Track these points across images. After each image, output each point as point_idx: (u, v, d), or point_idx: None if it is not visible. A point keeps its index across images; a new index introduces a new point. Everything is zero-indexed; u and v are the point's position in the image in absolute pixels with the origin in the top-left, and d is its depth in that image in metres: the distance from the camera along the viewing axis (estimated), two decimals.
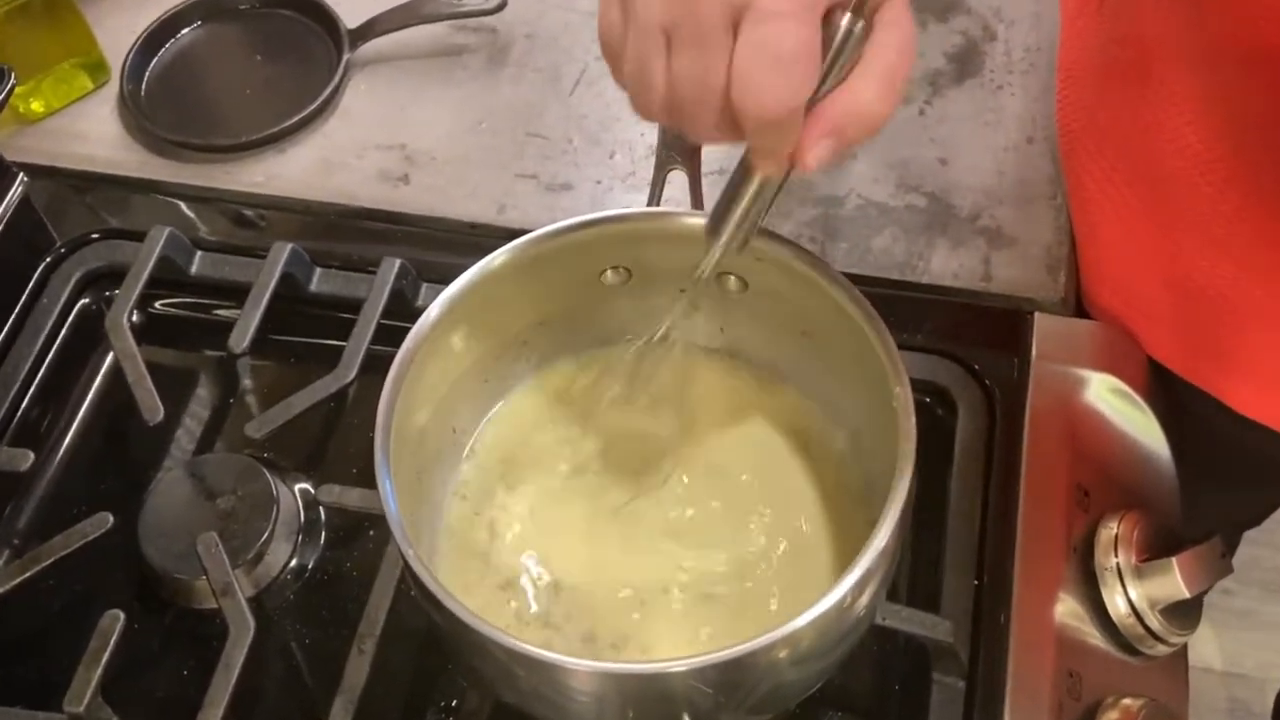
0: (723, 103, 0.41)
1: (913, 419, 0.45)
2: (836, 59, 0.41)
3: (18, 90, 0.71)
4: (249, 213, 0.71)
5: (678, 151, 0.52)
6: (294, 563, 0.60)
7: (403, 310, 0.63)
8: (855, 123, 0.42)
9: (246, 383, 0.68)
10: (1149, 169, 0.59)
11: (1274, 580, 1.45)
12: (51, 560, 0.57)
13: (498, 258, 0.49)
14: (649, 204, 0.53)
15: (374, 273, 0.64)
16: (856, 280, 0.50)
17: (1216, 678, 1.41)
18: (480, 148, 0.72)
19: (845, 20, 0.40)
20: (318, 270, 0.67)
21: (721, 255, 0.47)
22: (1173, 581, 0.54)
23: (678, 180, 0.54)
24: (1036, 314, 0.62)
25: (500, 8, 0.74)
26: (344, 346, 0.62)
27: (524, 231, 0.51)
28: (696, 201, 0.52)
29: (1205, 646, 1.44)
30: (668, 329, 0.52)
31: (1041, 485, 0.58)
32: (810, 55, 0.40)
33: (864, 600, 0.46)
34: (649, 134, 0.70)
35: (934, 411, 0.61)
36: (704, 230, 0.47)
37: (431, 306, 0.48)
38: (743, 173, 0.45)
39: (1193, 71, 0.54)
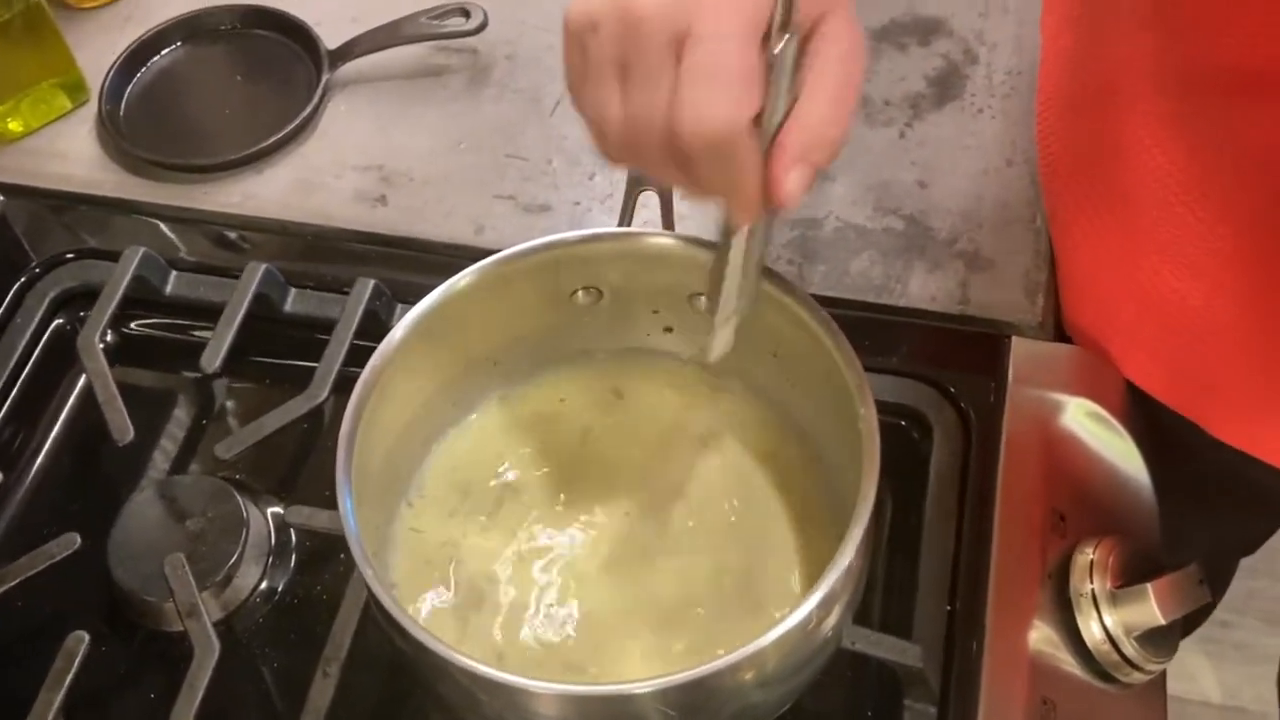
0: (668, 133, 0.41)
1: (877, 440, 0.46)
2: (779, 84, 0.41)
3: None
4: (227, 233, 0.72)
5: None
6: (264, 585, 0.61)
7: (376, 331, 0.63)
8: (819, 145, 0.42)
9: (221, 403, 0.68)
10: (1123, 192, 0.60)
11: (1273, 612, 1.45)
12: (18, 581, 0.57)
13: (463, 278, 0.50)
14: (620, 224, 0.54)
15: (349, 293, 0.65)
16: (833, 303, 0.51)
17: (1215, 711, 1.41)
18: (459, 168, 0.73)
19: (778, 44, 0.40)
20: (292, 291, 0.68)
21: (732, 332, 0.48)
22: (1148, 608, 0.55)
23: (652, 201, 0.55)
24: (1014, 338, 0.63)
25: (481, 29, 0.76)
26: (318, 367, 0.63)
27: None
28: (668, 222, 0.53)
29: (1204, 679, 1.44)
30: None
31: (1017, 510, 0.59)
32: (748, 75, 0.40)
33: (830, 622, 0.47)
34: None
35: (909, 435, 0.62)
36: (705, 310, 0.48)
37: (396, 327, 0.49)
38: (724, 238, 0.45)
39: (1161, 93, 0.55)
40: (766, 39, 0.40)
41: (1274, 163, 0.52)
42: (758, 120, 0.41)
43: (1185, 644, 1.24)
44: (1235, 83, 0.51)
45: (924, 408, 0.62)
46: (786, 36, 0.40)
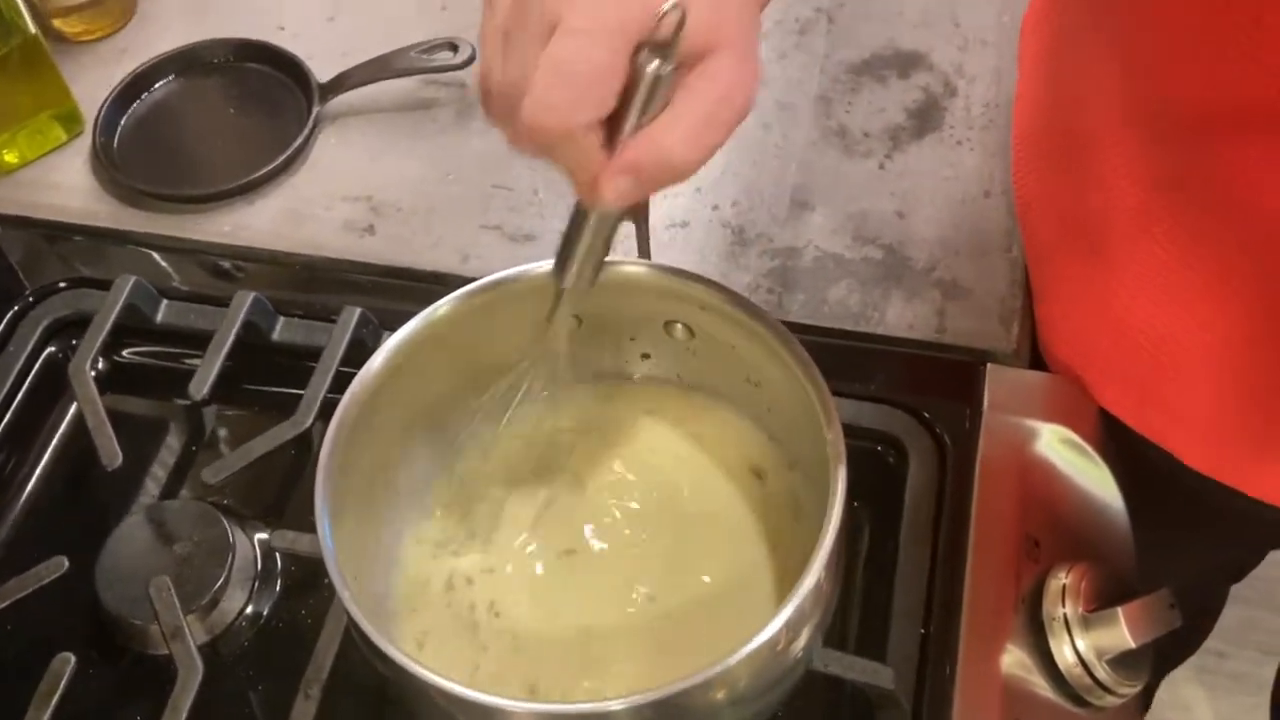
0: (513, 103, 0.42)
1: (844, 463, 0.47)
2: (637, 97, 0.42)
3: None
4: (218, 262, 0.74)
5: None
6: (249, 610, 0.62)
7: (362, 359, 0.65)
8: (654, 165, 0.43)
9: (210, 430, 0.70)
10: (1097, 224, 0.62)
11: (1270, 643, 1.45)
12: (7, 603, 0.59)
13: (442, 306, 0.51)
14: None
15: (336, 321, 0.67)
16: (812, 330, 0.53)
17: None
18: (446, 199, 0.75)
19: (651, 62, 0.42)
20: (281, 319, 0.69)
21: (570, 294, 0.49)
22: (1119, 632, 0.56)
23: (629, 231, 0.57)
24: (989, 365, 0.64)
25: (469, 63, 0.78)
26: (304, 394, 0.65)
27: None
28: (643, 251, 0.54)
29: (1199, 709, 1.44)
30: (520, 375, 0.54)
31: (991, 535, 0.60)
32: (597, 78, 0.41)
33: (800, 643, 0.48)
34: None
35: (885, 460, 0.63)
36: (550, 274, 0.49)
37: (376, 353, 0.51)
38: (576, 207, 0.47)
39: (1130, 126, 0.56)
40: (640, 49, 0.42)
41: (1242, 195, 0.54)
42: (616, 122, 0.43)
43: (1181, 674, 1.25)
44: (1199, 118, 0.53)
45: (900, 433, 0.64)
46: (660, 61, 0.42)
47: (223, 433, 0.70)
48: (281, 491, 0.67)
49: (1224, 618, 1.05)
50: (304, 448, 0.66)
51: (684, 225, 0.73)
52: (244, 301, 0.67)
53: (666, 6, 0.41)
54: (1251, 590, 1.11)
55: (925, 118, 0.77)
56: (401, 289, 0.71)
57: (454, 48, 0.77)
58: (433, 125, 0.79)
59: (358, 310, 0.66)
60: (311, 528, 0.62)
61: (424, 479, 0.59)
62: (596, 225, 0.47)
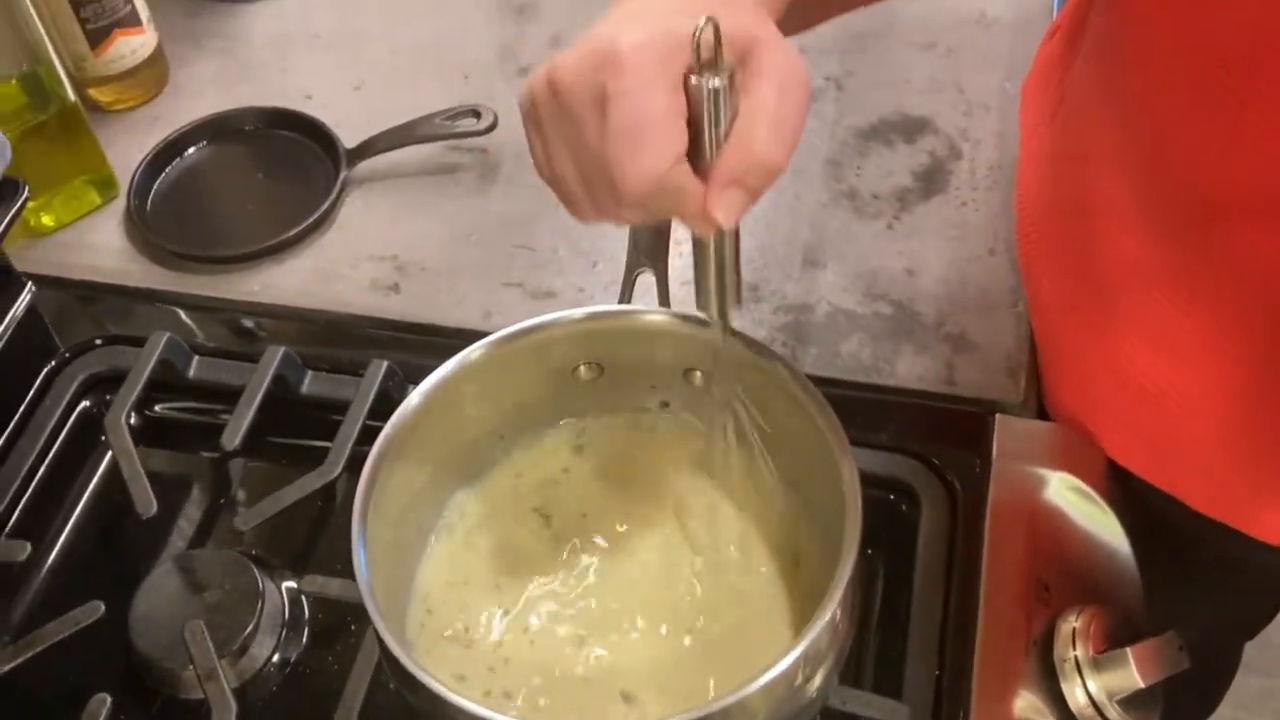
0: (606, 182, 0.45)
1: (859, 499, 0.50)
2: (706, 118, 0.44)
3: (30, 204, 0.78)
4: (247, 320, 0.77)
5: (646, 255, 0.57)
6: (277, 656, 0.64)
7: (388, 410, 0.68)
8: (752, 171, 0.45)
9: (239, 481, 0.73)
10: (1100, 278, 0.65)
11: None
12: (45, 646, 0.61)
13: (475, 351, 0.55)
14: (619, 303, 0.59)
15: (363, 375, 0.70)
16: (825, 382, 0.55)
17: None
18: (469, 259, 0.79)
19: (705, 81, 0.44)
20: (309, 373, 0.73)
21: (723, 320, 0.52)
22: (1129, 672, 0.58)
23: (649, 282, 0.60)
24: (998, 415, 0.67)
25: (491, 129, 0.82)
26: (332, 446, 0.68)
27: None
28: (663, 300, 0.57)
29: None
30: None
31: (1002, 580, 0.62)
32: (663, 121, 0.44)
33: (816, 681, 0.50)
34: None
35: (899, 507, 0.66)
36: (699, 308, 0.52)
37: (411, 395, 0.54)
38: (695, 243, 0.50)
39: (1128, 179, 0.60)
40: (690, 74, 0.44)
41: (1239, 262, 0.57)
42: (697, 148, 0.45)
43: None
44: (1193, 193, 0.56)
45: (912, 481, 0.66)
46: (710, 76, 0.44)
47: (249, 483, 0.73)
48: (309, 540, 0.69)
49: (1243, 687, 1.06)
50: (330, 498, 0.69)
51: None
52: (274, 356, 0.70)
53: (700, 25, 0.43)
54: (1271, 659, 1.12)
55: (931, 180, 0.80)
56: (426, 344, 0.75)
57: (477, 115, 0.81)
58: (456, 188, 0.83)
59: (384, 364, 0.70)
60: (340, 573, 0.65)
61: (453, 519, 0.62)
62: (717, 250, 0.49)
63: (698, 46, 0.43)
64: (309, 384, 0.72)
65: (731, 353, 0.54)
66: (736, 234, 0.50)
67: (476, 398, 0.57)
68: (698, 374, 0.58)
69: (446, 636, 0.58)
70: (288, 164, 0.84)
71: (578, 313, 0.56)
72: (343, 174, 0.82)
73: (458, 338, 0.75)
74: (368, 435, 0.67)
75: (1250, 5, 0.48)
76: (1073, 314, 0.68)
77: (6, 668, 0.60)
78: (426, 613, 0.59)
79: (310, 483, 0.66)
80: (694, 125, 0.45)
